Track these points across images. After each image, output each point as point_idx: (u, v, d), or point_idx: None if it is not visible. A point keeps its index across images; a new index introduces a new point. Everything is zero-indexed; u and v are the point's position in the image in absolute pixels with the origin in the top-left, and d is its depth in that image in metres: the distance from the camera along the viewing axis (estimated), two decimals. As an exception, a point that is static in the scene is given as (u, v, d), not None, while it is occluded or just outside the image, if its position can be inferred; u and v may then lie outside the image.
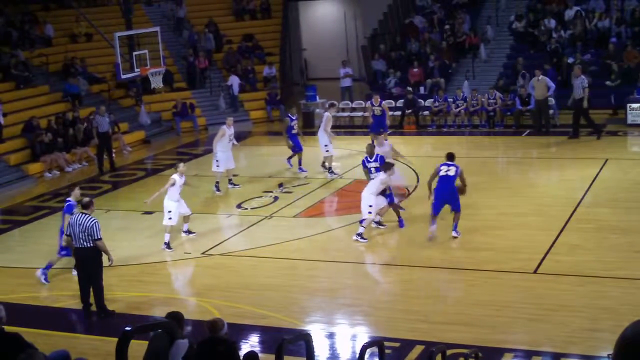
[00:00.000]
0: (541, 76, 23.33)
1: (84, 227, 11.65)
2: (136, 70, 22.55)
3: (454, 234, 14.45)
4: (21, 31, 28.33)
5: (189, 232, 15.50)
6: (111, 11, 30.19)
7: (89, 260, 11.84)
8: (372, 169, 15.24)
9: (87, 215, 11.81)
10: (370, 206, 14.60)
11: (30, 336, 7.91)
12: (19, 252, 15.81)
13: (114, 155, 22.66)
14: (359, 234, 14.55)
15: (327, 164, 19.99)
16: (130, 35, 24.45)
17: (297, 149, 20.03)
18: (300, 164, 20.11)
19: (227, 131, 18.44)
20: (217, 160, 18.44)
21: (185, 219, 15.38)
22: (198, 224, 16.17)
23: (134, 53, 22.74)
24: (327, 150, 19.91)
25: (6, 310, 7.64)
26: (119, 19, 27.49)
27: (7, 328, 7.44)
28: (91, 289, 12.01)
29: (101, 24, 28.47)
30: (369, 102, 23.01)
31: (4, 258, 15.33)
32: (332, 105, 21.50)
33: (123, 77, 23.25)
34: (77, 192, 13.93)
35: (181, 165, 15.53)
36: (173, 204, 14.80)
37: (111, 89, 27.73)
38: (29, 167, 22.14)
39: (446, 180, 14.41)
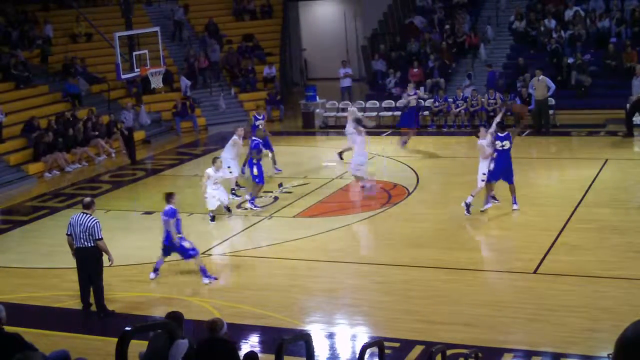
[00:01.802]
0: (541, 76, 23.33)
1: (85, 226, 11.65)
2: (136, 70, 22.55)
3: (514, 207, 15.55)
4: (21, 31, 28.34)
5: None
6: (111, 11, 30.21)
7: (89, 260, 11.84)
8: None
9: (88, 215, 11.80)
10: (484, 174, 15.51)
11: (30, 336, 7.92)
12: (19, 252, 15.81)
13: (99, 161, 23.37)
14: (467, 204, 15.62)
15: (343, 150, 20.46)
16: (130, 35, 24.45)
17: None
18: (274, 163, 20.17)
19: (239, 142, 18.20)
20: (229, 167, 18.03)
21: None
22: (198, 224, 16.19)
23: (134, 53, 22.74)
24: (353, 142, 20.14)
25: (6, 310, 7.64)
26: (119, 19, 27.49)
27: (7, 328, 7.44)
28: (91, 289, 12.01)
29: (101, 24, 28.49)
30: (404, 93, 23.50)
31: (4, 258, 15.33)
32: (356, 102, 21.93)
33: (123, 77, 23.25)
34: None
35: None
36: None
37: (111, 89, 27.75)
38: (29, 167, 22.14)
39: (503, 154, 15.42)
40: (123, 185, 20.79)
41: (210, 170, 16.23)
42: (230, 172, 18.15)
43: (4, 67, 26.03)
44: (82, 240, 11.69)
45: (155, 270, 13.38)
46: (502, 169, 15.56)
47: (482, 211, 15.69)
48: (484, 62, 28.25)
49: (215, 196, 16.32)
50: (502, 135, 15.66)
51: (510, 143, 15.61)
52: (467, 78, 26.88)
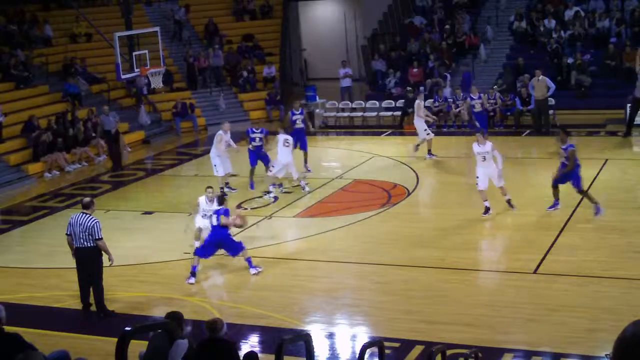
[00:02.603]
0: (541, 76, 23.32)
1: (85, 226, 11.64)
2: (136, 70, 22.55)
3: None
4: (21, 31, 28.35)
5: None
6: (111, 11, 30.20)
7: (89, 260, 11.83)
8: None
9: (88, 215, 11.79)
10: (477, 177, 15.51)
11: (30, 336, 7.91)
12: (19, 252, 15.81)
13: (98, 161, 23.05)
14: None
15: (428, 147, 20.70)
16: (130, 35, 24.45)
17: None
18: (306, 162, 20.06)
19: (224, 136, 18.22)
20: (215, 165, 18.22)
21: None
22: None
23: (134, 53, 22.74)
24: (427, 134, 20.59)
25: (6, 310, 7.64)
26: (118, 19, 27.49)
27: (7, 328, 7.44)
28: (91, 289, 12.01)
29: (101, 24, 28.48)
30: (467, 97, 23.04)
31: (4, 258, 15.32)
32: (421, 92, 21.93)
33: (123, 77, 23.25)
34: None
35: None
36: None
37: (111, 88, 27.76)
38: (29, 167, 22.14)
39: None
40: (123, 185, 20.79)
41: (202, 200, 14.37)
42: (217, 172, 18.16)
43: (3, 67, 26.03)
44: (82, 240, 11.69)
45: (194, 274, 13.14)
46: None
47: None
48: (484, 62, 28.29)
49: (203, 229, 14.44)
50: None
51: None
52: (442, 79, 26.88)
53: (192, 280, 13.06)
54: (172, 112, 27.21)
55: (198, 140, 26.43)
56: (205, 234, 13.97)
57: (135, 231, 16.43)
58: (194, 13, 32.61)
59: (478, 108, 21.55)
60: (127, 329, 5.29)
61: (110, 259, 11.93)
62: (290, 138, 18.16)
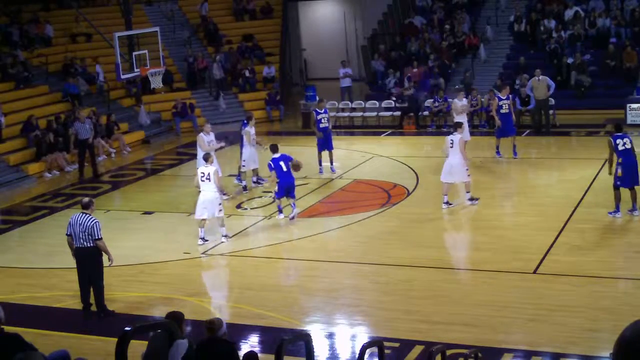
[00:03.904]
0: (541, 76, 23.31)
1: (85, 226, 11.64)
2: (136, 70, 22.55)
3: (636, 212, 14.85)
4: (21, 31, 28.35)
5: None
6: (111, 11, 30.19)
7: (89, 260, 11.83)
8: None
9: (88, 215, 11.79)
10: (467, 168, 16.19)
11: (30, 336, 7.91)
12: (19, 252, 15.81)
13: (98, 161, 22.38)
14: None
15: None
16: (130, 35, 24.45)
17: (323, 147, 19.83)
18: (331, 162, 19.99)
19: (205, 138, 17.82)
20: (197, 168, 17.81)
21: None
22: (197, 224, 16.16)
23: (134, 53, 22.74)
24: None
25: (6, 311, 7.64)
26: (118, 19, 27.49)
27: (7, 328, 7.44)
28: (91, 289, 12.01)
29: (101, 24, 28.48)
30: (493, 95, 22.26)
31: (4, 258, 15.32)
32: (459, 91, 21.26)
33: (123, 77, 23.25)
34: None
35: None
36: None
37: (110, 88, 27.75)
38: (29, 167, 22.14)
39: (629, 153, 14.69)
40: (123, 185, 20.79)
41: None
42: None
43: (3, 67, 26.04)
44: (82, 240, 11.68)
45: (281, 211, 16.02)
46: (632, 171, 14.82)
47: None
48: (484, 62, 28.30)
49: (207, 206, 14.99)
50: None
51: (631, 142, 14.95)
52: (407, 80, 26.90)
53: (281, 216, 16.12)
54: (172, 112, 27.21)
55: (198, 140, 26.39)
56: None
57: (135, 231, 16.42)
58: (194, 13, 32.63)
59: (505, 109, 20.28)
60: (127, 329, 5.28)
61: (110, 259, 11.93)
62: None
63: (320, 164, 20.01)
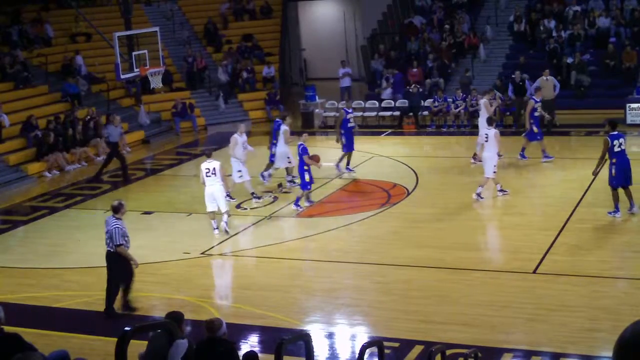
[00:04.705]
0: (549, 76, 23.27)
1: (107, 230, 11.68)
2: (135, 70, 22.54)
3: (635, 209, 14.87)
4: (20, 31, 28.34)
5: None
6: (111, 11, 30.18)
7: (110, 263, 11.84)
8: None
9: (114, 220, 11.74)
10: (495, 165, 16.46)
11: (30, 336, 7.91)
12: (19, 252, 15.80)
13: (97, 161, 22.58)
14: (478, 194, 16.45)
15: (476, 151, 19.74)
16: (129, 35, 24.45)
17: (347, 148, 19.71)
18: (348, 163, 19.89)
19: (240, 139, 17.72)
20: (239, 171, 17.55)
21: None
22: (198, 224, 16.18)
23: (133, 53, 22.73)
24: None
25: (6, 311, 7.64)
26: (118, 19, 27.49)
27: (7, 328, 7.44)
28: (120, 290, 11.95)
29: (100, 24, 28.47)
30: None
31: (4, 258, 15.32)
32: (487, 92, 20.86)
33: (122, 77, 23.24)
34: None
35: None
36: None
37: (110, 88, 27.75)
38: (29, 167, 22.13)
39: (623, 154, 14.76)
40: (123, 185, 20.77)
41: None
42: (242, 177, 17.89)
43: (3, 67, 26.03)
44: (106, 245, 11.72)
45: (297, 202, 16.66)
46: (626, 172, 14.89)
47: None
48: (484, 62, 28.29)
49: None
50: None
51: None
52: (385, 81, 26.98)
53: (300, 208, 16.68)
54: (171, 112, 27.20)
55: (197, 140, 26.42)
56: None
57: (135, 231, 16.34)
58: (194, 13, 32.64)
59: (539, 112, 19.87)
60: (127, 329, 5.29)
61: (134, 264, 11.87)
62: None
63: (348, 164, 19.88)
